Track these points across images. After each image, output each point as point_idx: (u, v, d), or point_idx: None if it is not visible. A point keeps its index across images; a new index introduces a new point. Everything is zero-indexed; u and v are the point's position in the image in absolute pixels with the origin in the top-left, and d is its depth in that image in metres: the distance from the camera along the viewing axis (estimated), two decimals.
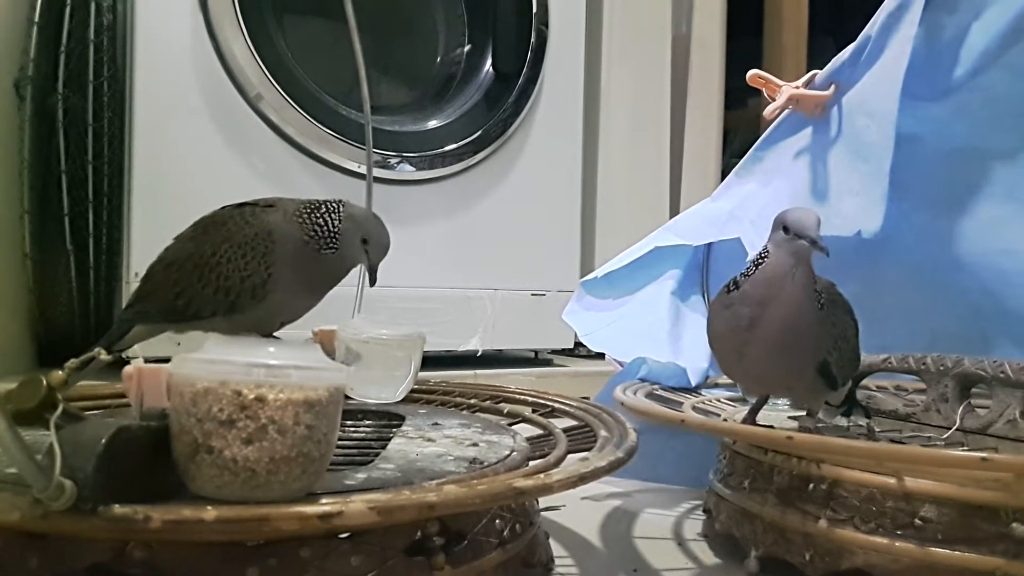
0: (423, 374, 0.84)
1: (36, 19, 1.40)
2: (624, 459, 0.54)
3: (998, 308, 0.91)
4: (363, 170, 1.23)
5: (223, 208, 0.76)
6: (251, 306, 0.73)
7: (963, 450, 0.70)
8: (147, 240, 1.30)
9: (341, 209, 0.74)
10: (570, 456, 0.60)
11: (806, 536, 0.62)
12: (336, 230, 0.73)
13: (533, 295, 1.68)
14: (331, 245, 0.73)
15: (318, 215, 0.73)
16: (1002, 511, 0.54)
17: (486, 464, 0.55)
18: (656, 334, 1.02)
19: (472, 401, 0.85)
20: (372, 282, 0.80)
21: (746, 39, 2.22)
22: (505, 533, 0.54)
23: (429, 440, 0.63)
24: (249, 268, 0.72)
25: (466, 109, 1.61)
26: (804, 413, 0.76)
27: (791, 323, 0.65)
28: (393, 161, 1.51)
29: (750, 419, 0.74)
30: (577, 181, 1.77)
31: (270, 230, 0.72)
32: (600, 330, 1.08)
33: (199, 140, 1.37)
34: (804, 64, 2.13)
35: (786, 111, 0.97)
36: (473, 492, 0.44)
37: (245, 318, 0.74)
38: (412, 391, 0.82)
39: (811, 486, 0.63)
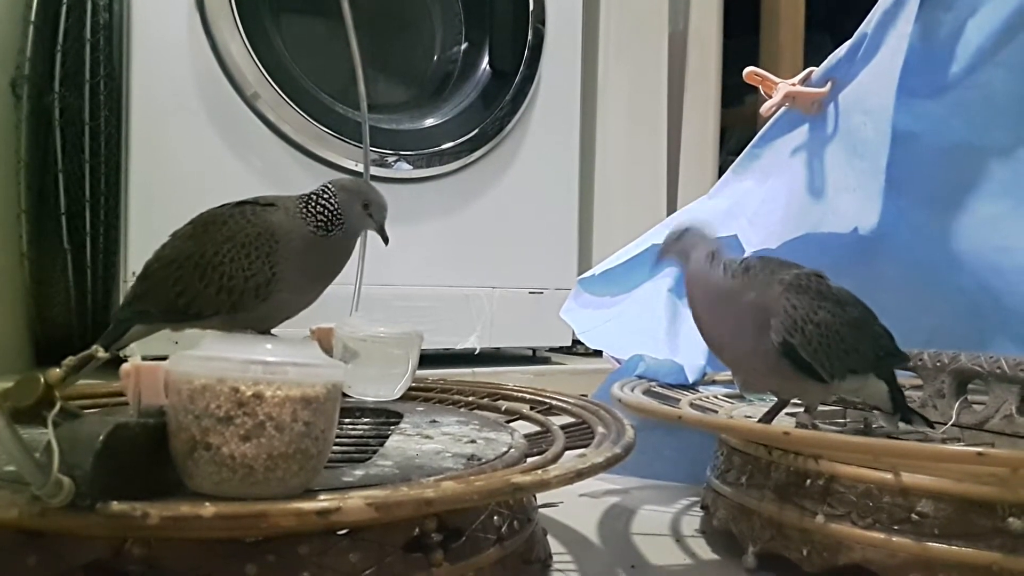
0: (421, 372, 0.84)
1: (32, 18, 1.39)
2: (621, 455, 0.54)
3: (994, 305, 0.91)
4: (360, 168, 1.23)
5: (222, 206, 0.76)
6: (254, 305, 0.73)
7: (960, 445, 0.70)
8: (144, 239, 1.29)
9: (331, 188, 0.75)
10: (568, 453, 0.60)
11: (804, 532, 0.62)
12: (337, 207, 0.74)
13: (531, 293, 1.68)
14: (339, 223, 0.74)
15: (314, 204, 0.74)
16: (999, 506, 0.55)
17: (484, 461, 0.55)
18: (653, 331, 1.03)
19: (470, 399, 0.85)
20: (385, 241, 0.81)
21: (743, 37, 2.22)
22: (503, 530, 0.54)
23: (427, 437, 0.63)
24: (253, 268, 0.72)
25: (463, 107, 1.61)
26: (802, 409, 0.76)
27: (695, 291, 0.72)
28: (390, 159, 1.51)
29: (767, 420, 0.74)
30: (574, 179, 1.77)
31: (272, 230, 0.73)
32: (597, 327, 1.08)
33: (196, 139, 1.37)
34: (801, 61, 2.13)
35: (783, 108, 0.97)
36: (471, 488, 0.44)
37: (248, 317, 0.74)
38: (410, 389, 0.82)
39: (808, 482, 0.63)
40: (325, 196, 0.75)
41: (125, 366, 0.45)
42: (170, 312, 0.74)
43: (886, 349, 0.73)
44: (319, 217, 0.74)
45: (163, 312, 0.75)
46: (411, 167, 1.53)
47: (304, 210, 0.74)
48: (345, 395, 0.75)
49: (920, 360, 0.82)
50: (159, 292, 0.74)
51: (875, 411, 0.78)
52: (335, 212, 0.74)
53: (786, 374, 0.69)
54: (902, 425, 0.75)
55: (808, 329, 0.67)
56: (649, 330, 1.03)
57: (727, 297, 0.70)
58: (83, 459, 0.38)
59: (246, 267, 0.71)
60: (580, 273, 1.28)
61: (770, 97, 0.95)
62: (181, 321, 0.76)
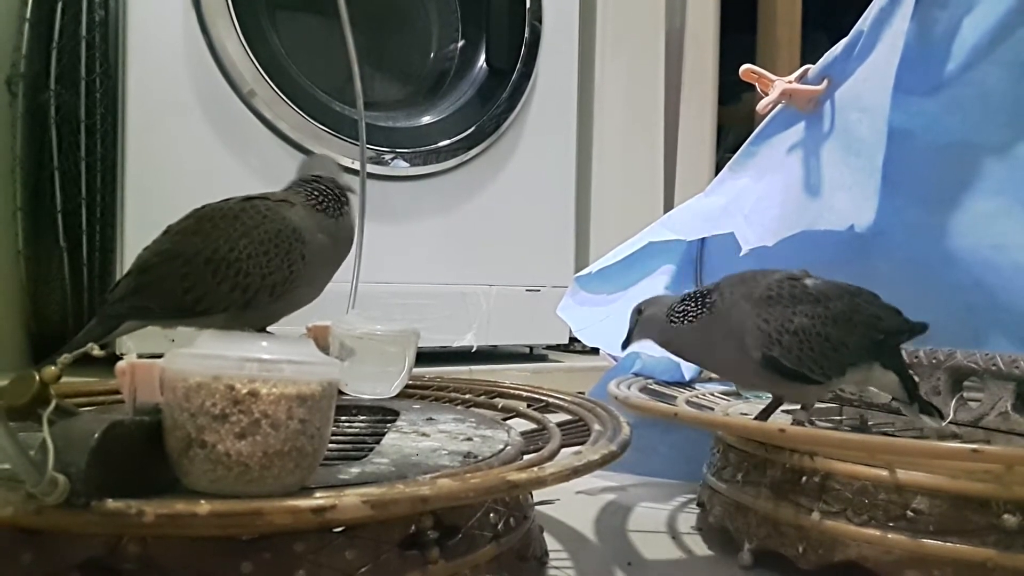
0: (418, 370, 0.84)
1: (28, 16, 1.39)
2: (617, 452, 0.54)
3: (990, 302, 0.92)
4: (357, 166, 1.23)
5: (227, 200, 0.74)
6: (267, 304, 0.72)
7: (955, 442, 0.70)
8: (140, 237, 1.27)
9: (323, 176, 0.79)
10: (564, 450, 0.60)
11: (799, 529, 0.62)
12: (340, 188, 0.79)
13: (528, 291, 1.68)
14: (346, 202, 0.79)
15: (321, 192, 0.77)
16: (993, 502, 0.55)
17: (480, 458, 0.55)
18: None
19: (467, 396, 0.85)
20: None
21: (740, 34, 2.22)
22: (499, 527, 0.54)
23: (423, 435, 0.63)
24: (271, 265, 0.70)
25: (460, 105, 1.61)
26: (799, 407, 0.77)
27: (672, 347, 0.75)
28: (387, 157, 1.51)
29: (763, 417, 0.74)
30: (571, 177, 1.77)
31: (295, 227, 0.72)
32: (594, 325, 1.08)
33: (192, 136, 1.37)
34: (797, 59, 2.13)
35: (779, 106, 0.97)
36: (467, 485, 0.44)
37: (256, 315, 0.73)
38: (406, 387, 0.82)
39: (804, 479, 0.63)
40: (326, 182, 0.77)
41: (121, 364, 0.45)
42: (175, 309, 0.71)
43: (888, 330, 0.71)
44: (335, 203, 0.77)
45: (167, 308, 0.72)
46: (408, 165, 1.53)
47: (317, 201, 0.76)
48: (341, 393, 0.75)
49: (916, 357, 0.82)
50: (162, 288, 0.71)
51: (894, 401, 0.77)
52: (342, 193, 0.78)
53: (779, 382, 0.70)
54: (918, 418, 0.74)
55: (785, 339, 0.67)
56: None
57: (698, 340, 0.71)
58: (78, 457, 0.38)
59: (264, 264, 0.70)
60: (577, 271, 1.28)
61: (766, 94, 0.95)
62: (184, 317, 0.73)
